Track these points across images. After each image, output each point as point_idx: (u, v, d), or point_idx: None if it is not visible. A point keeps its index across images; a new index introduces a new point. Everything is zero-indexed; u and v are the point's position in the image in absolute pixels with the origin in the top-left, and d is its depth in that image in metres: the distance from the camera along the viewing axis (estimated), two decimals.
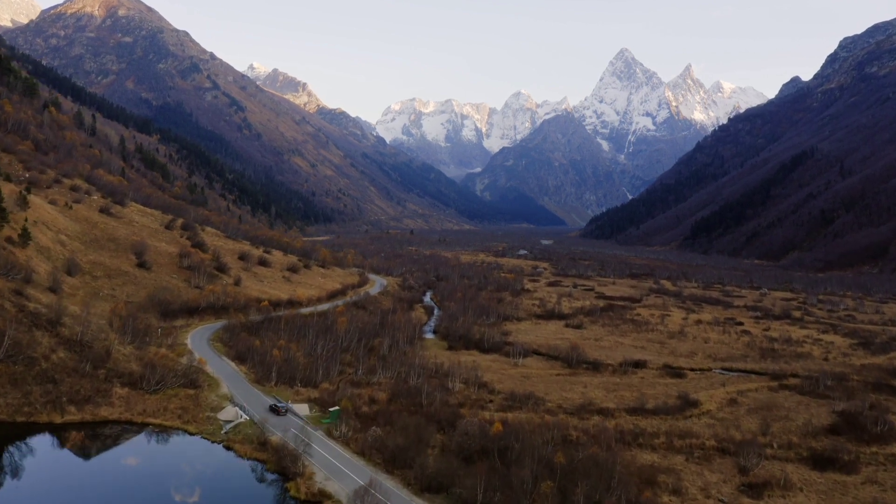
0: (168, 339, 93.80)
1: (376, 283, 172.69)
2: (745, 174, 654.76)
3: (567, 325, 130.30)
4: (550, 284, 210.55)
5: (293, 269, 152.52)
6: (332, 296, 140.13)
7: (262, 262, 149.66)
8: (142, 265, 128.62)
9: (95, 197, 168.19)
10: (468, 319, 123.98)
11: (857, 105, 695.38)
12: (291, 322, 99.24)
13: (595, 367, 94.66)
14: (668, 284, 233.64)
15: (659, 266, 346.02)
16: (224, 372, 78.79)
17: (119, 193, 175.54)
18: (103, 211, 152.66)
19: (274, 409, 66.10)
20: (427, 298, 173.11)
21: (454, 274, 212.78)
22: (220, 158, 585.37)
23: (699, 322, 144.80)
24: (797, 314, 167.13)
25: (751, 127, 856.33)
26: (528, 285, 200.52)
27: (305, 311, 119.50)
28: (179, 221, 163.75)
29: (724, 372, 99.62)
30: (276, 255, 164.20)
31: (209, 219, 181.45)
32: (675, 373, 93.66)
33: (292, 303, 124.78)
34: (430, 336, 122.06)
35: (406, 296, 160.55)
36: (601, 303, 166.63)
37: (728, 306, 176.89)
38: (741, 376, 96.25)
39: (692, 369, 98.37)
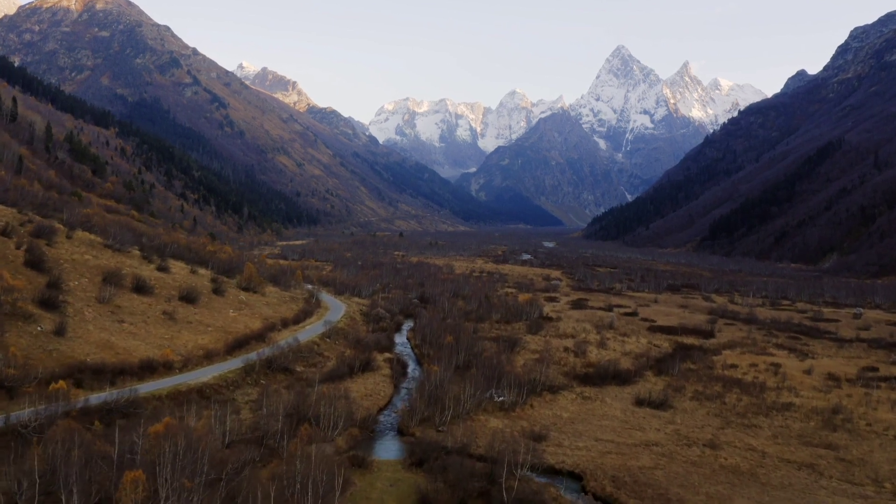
0: None
1: (328, 313, 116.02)
2: (762, 169, 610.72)
3: (639, 403, 73.67)
4: (575, 306, 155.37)
5: (189, 298, 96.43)
6: (238, 345, 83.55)
7: (140, 287, 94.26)
8: None
9: None
10: (465, 398, 68.04)
11: (881, 94, 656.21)
12: (65, 440, 43.38)
13: None
14: (723, 300, 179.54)
15: (688, 272, 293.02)
16: None
17: None
18: None
19: None
20: (403, 338, 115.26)
21: (445, 292, 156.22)
22: (192, 156, 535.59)
23: (832, 378, 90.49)
24: None
25: (763, 120, 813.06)
26: (548, 308, 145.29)
27: (162, 386, 64.55)
28: (31, 225, 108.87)
29: None
30: (174, 274, 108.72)
31: (90, 219, 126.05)
32: None
33: (151, 366, 69.59)
34: (388, 453, 55.31)
35: (367, 337, 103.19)
36: (663, 341, 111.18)
37: (838, 340, 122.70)
38: None
39: None
